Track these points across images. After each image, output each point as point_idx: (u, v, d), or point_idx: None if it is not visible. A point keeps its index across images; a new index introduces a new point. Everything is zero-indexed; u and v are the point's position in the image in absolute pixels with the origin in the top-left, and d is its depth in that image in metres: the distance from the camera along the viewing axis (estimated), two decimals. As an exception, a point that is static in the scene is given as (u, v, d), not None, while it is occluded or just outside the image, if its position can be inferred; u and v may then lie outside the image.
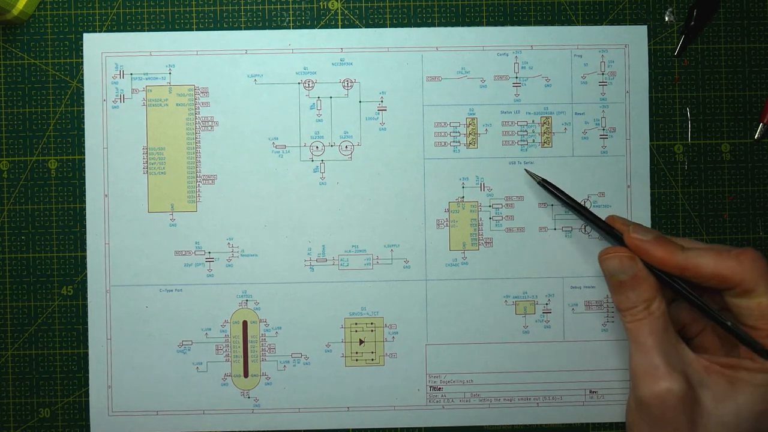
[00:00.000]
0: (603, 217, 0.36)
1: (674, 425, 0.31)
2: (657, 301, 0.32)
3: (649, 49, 0.40)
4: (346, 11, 0.40)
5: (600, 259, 0.33)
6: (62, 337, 0.40)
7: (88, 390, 0.40)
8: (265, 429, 0.40)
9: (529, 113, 0.40)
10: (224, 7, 0.40)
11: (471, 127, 0.40)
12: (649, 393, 0.31)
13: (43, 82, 0.40)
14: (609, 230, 0.35)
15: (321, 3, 0.40)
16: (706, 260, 0.31)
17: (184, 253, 0.40)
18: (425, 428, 0.40)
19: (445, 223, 0.40)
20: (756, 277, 0.31)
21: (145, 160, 0.40)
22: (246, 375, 0.40)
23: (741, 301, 0.31)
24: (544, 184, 0.38)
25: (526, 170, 0.39)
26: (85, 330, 0.40)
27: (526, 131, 0.40)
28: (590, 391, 0.40)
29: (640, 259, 0.33)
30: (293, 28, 0.40)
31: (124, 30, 0.40)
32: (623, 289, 0.32)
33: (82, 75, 0.40)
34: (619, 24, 0.40)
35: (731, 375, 0.31)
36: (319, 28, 0.40)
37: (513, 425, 0.40)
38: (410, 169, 0.40)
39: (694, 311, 0.34)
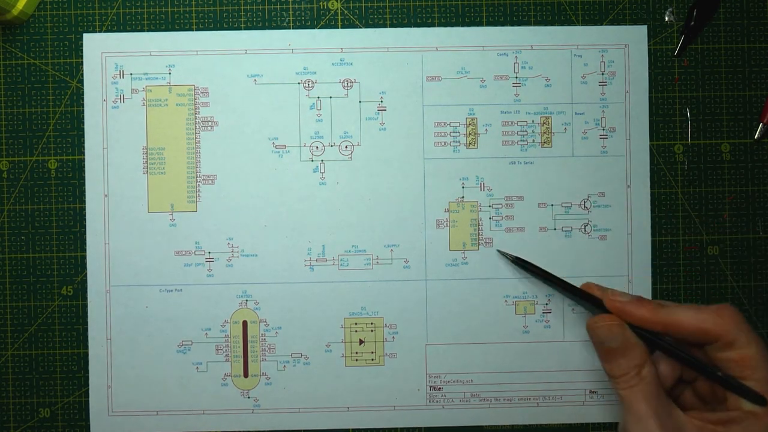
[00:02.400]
0: (579, 285, 0.36)
1: None
2: (648, 366, 0.32)
3: (649, 49, 0.40)
4: (346, 11, 0.40)
5: (589, 328, 0.34)
6: (62, 337, 0.40)
7: (88, 390, 0.40)
8: (265, 429, 0.40)
9: (529, 113, 0.40)
10: (224, 7, 0.40)
11: (471, 127, 0.40)
12: None
13: (43, 82, 0.40)
14: (587, 298, 0.35)
15: (321, 3, 0.40)
16: (686, 316, 0.32)
17: (184, 253, 0.40)
18: (425, 428, 0.40)
19: (445, 223, 0.40)
20: (735, 329, 0.31)
21: (145, 160, 0.40)
22: (246, 375, 0.40)
23: (724, 354, 0.32)
24: (518, 263, 0.39)
25: (498, 250, 0.40)
26: (85, 330, 0.40)
27: (526, 131, 0.40)
28: (590, 391, 0.40)
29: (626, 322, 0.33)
30: (293, 28, 0.40)
31: (124, 30, 0.40)
32: (614, 357, 0.33)
33: (82, 75, 0.40)
34: (619, 24, 0.40)
35: (723, 431, 0.31)
36: (319, 28, 0.40)
37: (513, 425, 0.40)
38: (410, 169, 0.40)
39: (675, 369, 0.34)
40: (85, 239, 0.40)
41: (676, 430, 0.31)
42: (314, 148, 0.40)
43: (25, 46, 0.40)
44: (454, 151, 0.40)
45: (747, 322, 0.32)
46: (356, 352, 0.40)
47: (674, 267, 0.40)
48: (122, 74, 0.40)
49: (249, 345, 0.40)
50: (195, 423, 0.40)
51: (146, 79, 0.40)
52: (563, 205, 0.40)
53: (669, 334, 0.33)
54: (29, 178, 0.40)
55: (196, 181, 0.40)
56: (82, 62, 0.40)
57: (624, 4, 0.41)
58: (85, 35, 0.40)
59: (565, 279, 0.37)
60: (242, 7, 0.40)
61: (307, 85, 0.40)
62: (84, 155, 0.40)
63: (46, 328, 0.40)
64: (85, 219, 0.40)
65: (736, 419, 0.31)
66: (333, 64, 0.40)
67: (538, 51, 0.40)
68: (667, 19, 0.41)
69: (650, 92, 0.40)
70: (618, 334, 0.33)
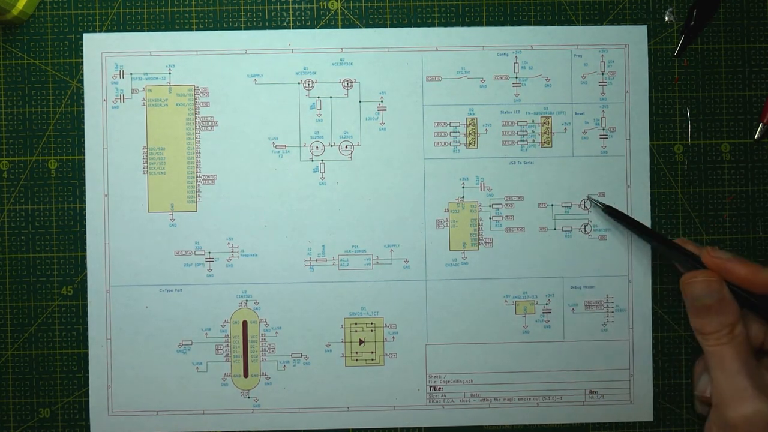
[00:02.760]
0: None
1: None
2: (740, 325, 0.32)
3: (649, 49, 0.40)
4: (346, 11, 0.40)
5: (684, 283, 0.33)
6: (62, 337, 0.40)
7: (88, 390, 0.40)
8: (265, 429, 0.40)
9: (529, 113, 0.40)
10: (224, 7, 0.40)
11: (471, 127, 0.40)
12: (738, 416, 0.31)
13: (43, 82, 0.40)
14: (683, 251, 0.35)
15: (321, 3, 0.40)
16: None
17: (184, 253, 0.40)
18: (425, 428, 0.40)
19: (445, 223, 0.40)
20: None
21: (145, 160, 0.40)
22: (246, 375, 0.40)
23: None
24: (609, 211, 0.38)
25: (589, 197, 0.39)
26: (85, 330, 0.40)
27: (526, 131, 0.40)
28: (590, 391, 0.40)
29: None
30: (293, 28, 0.40)
31: (124, 30, 0.40)
32: (708, 313, 0.32)
33: (82, 75, 0.40)
34: (619, 24, 0.40)
35: None
36: (319, 28, 0.40)
37: (513, 425, 0.40)
38: (410, 169, 0.40)
39: (760, 334, 0.33)
40: (85, 239, 0.40)
41: (766, 388, 0.31)
42: (314, 148, 0.40)
43: (25, 46, 0.40)
44: (454, 151, 0.40)
45: None
46: (356, 352, 0.40)
47: (674, 267, 0.40)
48: (122, 74, 0.40)
49: (249, 345, 0.40)
50: (195, 423, 0.40)
51: (146, 79, 0.40)
52: (563, 205, 0.40)
53: (767, 295, 0.32)
54: (29, 178, 0.40)
55: (196, 181, 0.40)
56: (82, 62, 0.40)
57: (624, 4, 0.41)
58: (85, 35, 0.40)
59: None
60: (242, 7, 0.40)
61: (307, 85, 0.40)
62: (84, 155, 0.40)
63: (46, 328, 0.40)
64: (85, 219, 0.40)
65: None
66: (333, 64, 0.40)
67: (538, 51, 0.40)
68: (667, 19, 0.41)
69: (650, 92, 0.40)
70: (716, 290, 0.32)
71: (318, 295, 0.40)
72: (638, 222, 0.38)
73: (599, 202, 0.39)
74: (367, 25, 0.40)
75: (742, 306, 0.33)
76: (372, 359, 0.40)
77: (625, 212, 0.39)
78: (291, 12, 0.40)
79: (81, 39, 0.40)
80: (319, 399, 0.40)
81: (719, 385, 0.32)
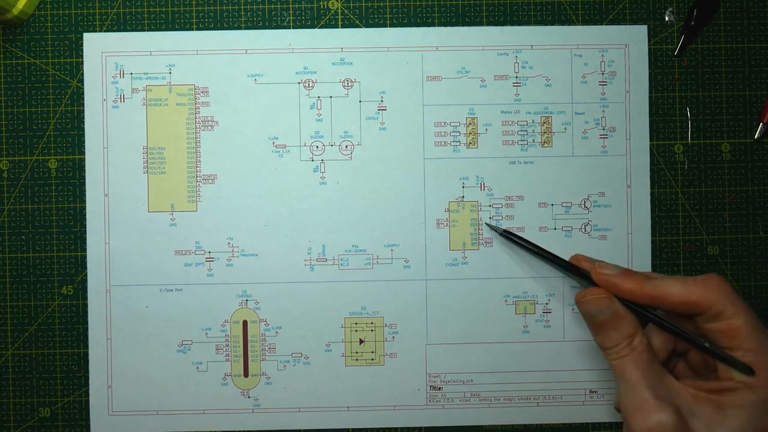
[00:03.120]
0: (567, 258, 0.36)
1: None
2: (638, 336, 0.32)
3: (649, 49, 0.40)
4: (346, 11, 0.40)
5: (577, 302, 0.34)
6: (62, 337, 0.40)
7: (88, 390, 0.40)
8: (265, 429, 0.40)
9: (529, 113, 0.40)
10: (224, 7, 0.40)
11: (471, 126, 0.40)
12: (641, 428, 0.31)
13: (43, 82, 0.40)
14: (575, 271, 0.35)
15: (321, 3, 0.40)
16: (674, 288, 0.32)
17: (184, 252, 0.40)
18: (425, 428, 0.40)
19: (445, 223, 0.40)
20: (722, 299, 0.31)
21: (145, 159, 0.40)
22: (246, 375, 0.40)
23: (712, 324, 0.32)
24: (506, 235, 0.38)
25: (486, 224, 0.40)
26: (85, 330, 0.40)
27: (526, 131, 0.40)
28: (590, 391, 0.40)
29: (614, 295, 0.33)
30: (293, 28, 0.40)
31: (124, 30, 0.40)
32: (604, 329, 0.33)
33: (82, 75, 0.40)
34: (619, 24, 0.40)
35: (717, 400, 0.31)
36: (319, 27, 0.40)
37: (513, 425, 0.40)
38: (410, 169, 0.40)
39: (668, 341, 0.34)
40: (85, 239, 0.40)
41: (670, 398, 0.31)
42: (314, 148, 0.40)
43: (25, 45, 0.40)
44: (454, 150, 0.40)
45: (735, 292, 0.31)
46: (356, 352, 0.40)
47: (674, 267, 0.40)
48: (122, 74, 0.40)
49: (249, 345, 0.40)
50: (195, 423, 0.40)
51: (146, 78, 0.40)
52: (563, 204, 0.40)
53: (657, 306, 0.32)
54: (29, 177, 0.40)
55: (196, 181, 0.40)
56: (82, 62, 0.40)
57: (624, 4, 0.41)
58: (85, 35, 0.40)
59: (554, 253, 0.37)
60: (242, 7, 0.40)
61: (307, 84, 0.40)
62: (84, 155, 0.40)
63: (46, 327, 0.40)
64: (85, 219, 0.40)
65: (728, 388, 0.31)
66: (333, 63, 0.40)
67: (538, 51, 0.40)
68: (667, 19, 0.41)
69: (650, 92, 0.40)
70: (606, 307, 0.33)
71: (318, 295, 0.40)
72: (532, 243, 0.38)
73: (496, 227, 0.39)
74: (367, 25, 0.40)
75: (642, 319, 0.33)
76: (372, 359, 0.40)
77: (521, 235, 0.39)
78: (291, 12, 0.40)
79: (81, 39, 0.40)
80: (319, 399, 0.40)
81: (623, 397, 0.32)
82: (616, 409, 0.34)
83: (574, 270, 0.35)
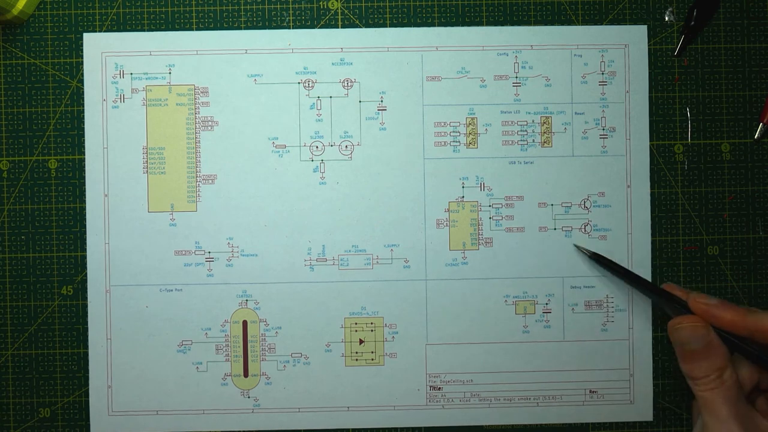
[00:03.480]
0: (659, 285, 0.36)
1: None
2: (729, 370, 0.32)
3: (649, 49, 0.40)
4: (346, 11, 0.40)
5: (671, 328, 0.33)
6: (62, 337, 0.40)
7: (88, 390, 0.40)
8: (265, 429, 0.40)
9: (529, 113, 0.40)
10: (224, 7, 0.40)
11: (471, 126, 0.40)
12: None
13: (43, 82, 0.40)
14: (670, 298, 0.35)
15: (321, 3, 0.40)
16: None
17: (184, 252, 0.40)
18: (425, 428, 0.40)
19: (445, 223, 0.40)
20: None
21: (145, 160, 0.40)
22: (246, 375, 0.40)
23: None
24: (595, 258, 0.38)
25: (575, 245, 0.39)
26: (85, 330, 0.40)
27: (526, 131, 0.40)
28: (590, 391, 0.40)
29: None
30: (293, 28, 0.40)
31: (124, 30, 0.40)
32: (696, 359, 0.32)
33: (82, 75, 0.40)
34: (619, 24, 0.40)
35: None
36: (319, 27, 0.40)
37: (513, 425, 0.40)
38: (410, 169, 0.40)
39: (753, 376, 0.33)
40: (85, 239, 0.40)
41: None
42: (314, 148, 0.40)
43: (25, 46, 0.40)
44: (454, 151, 0.40)
45: None
46: (356, 352, 0.40)
47: (674, 267, 0.40)
48: (122, 74, 0.40)
49: (249, 345, 0.40)
50: (195, 423, 0.40)
51: (146, 78, 0.40)
52: (563, 205, 0.40)
53: (755, 339, 0.32)
54: (29, 178, 0.40)
55: (196, 181, 0.40)
56: (82, 62, 0.40)
57: (624, 4, 0.41)
58: (85, 35, 0.40)
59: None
60: (242, 7, 0.40)
61: (307, 84, 0.40)
62: (84, 155, 0.40)
63: (46, 328, 0.40)
64: (85, 219, 0.40)
65: None
66: (333, 63, 0.40)
67: (538, 51, 0.40)
68: (667, 19, 0.41)
69: (650, 92, 0.40)
70: (702, 335, 0.32)
71: (318, 295, 0.40)
72: (624, 268, 0.38)
73: (586, 250, 0.39)
74: (367, 25, 0.40)
75: (732, 351, 0.33)
76: (372, 359, 0.40)
77: (611, 259, 0.39)
78: (291, 12, 0.40)
79: (81, 39, 0.40)
80: (319, 399, 0.40)
81: (710, 430, 0.32)
82: None
83: (668, 297, 0.35)
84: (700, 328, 0.33)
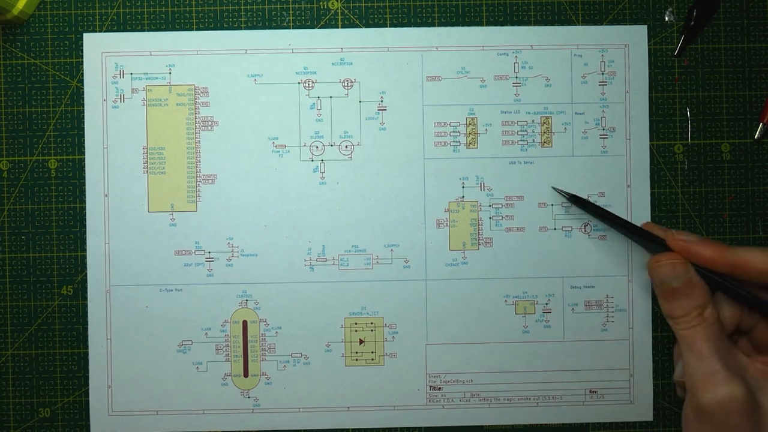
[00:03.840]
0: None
1: None
2: (710, 307, 0.32)
3: (649, 49, 0.40)
4: (346, 11, 0.40)
5: (650, 266, 0.33)
6: (62, 337, 0.40)
7: (88, 390, 0.40)
8: (265, 429, 0.40)
9: (529, 113, 0.40)
10: (224, 7, 0.40)
11: (471, 126, 0.40)
12: (710, 400, 0.30)
13: (43, 82, 0.40)
14: (649, 237, 0.34)
15: (321, 3, 0.40)
16: (756, 256, 0.31)
17: (184, 252, 0.40)
18: (425, 428, 0.40)
19: (445, 223, 0.40)
20: None
21: (145, 159, 0.40)
22: (246, 375, 0.40)
23: None
24: (575, 200, 0.38)
25: (553, 188, 0.39)
26: (85, 330, 0.40)
27: (526, 131, 0.40)
28: (590, 391, 0.40)
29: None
30: (293, 28, 0.40)
31: (124, 30, 0.40)
32: (676, 297, 0.32)
33: (82, 75, 0.40)
34: (619, 24, 0.40)
35: None
36: (319, 27, 0.40)
37: (513, 425, 0.40)
38: (410, 169, 0.40)
39: (735, 315, 0.33)
40: (85, 239, 0.40)
41: (739, 370, 0.31)
42: (314, 148, 0.40)
43: (25, 46, 0.40)
44: (454, 151, 0.40)
45: None
46: (356, 352, 0.40)
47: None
48: (122, 74, 0.40)
49: (249, 345, 0.40)
50: (195, 423, 0.40)
51: (146, 78, 0.40)
52: (563, 205, 0.40)
53: (735, 275, 0.32)
54: (29, 178, 0.40)
55: (196, 181, 0.40)
56: (82, 62, 0.40)
57: (624, 4, 0.41)
58: (85, 35, 0.40)
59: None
60: (242, 7, 0.40)
61: (307, 84, 0.40)
62: (84, 155, 0.40)
63: (46, 328, 0.40)
64: (85, 219, 0.40)
65: None
66: (333, 63, 0.40)
67: (538, 51, 0.40)
68: (667, 19, 0.41)
69: (650, 92, 0.40)
70: (681, 273, 0.32)
71: (318, 295, 0.40)
72: (602, 209, 0.38)
73: (564, 192, 0.39)
74: (367, 25, 0.40)
75: (713, 288, 0.32)
76: (372, 359, 0.40)
77: (596, 204, 0.39)
78: (291, 12, 0.40)
79: (81, 39, 0.40)
80: (319, 399, 0.40)
81: (691, 369, 0.31)
82: (674, 382, 0.33)
83: (648, 237, 0.34)
84: (679, 265, 0.32)
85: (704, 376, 0.31)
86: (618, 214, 0.38)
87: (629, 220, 0.37)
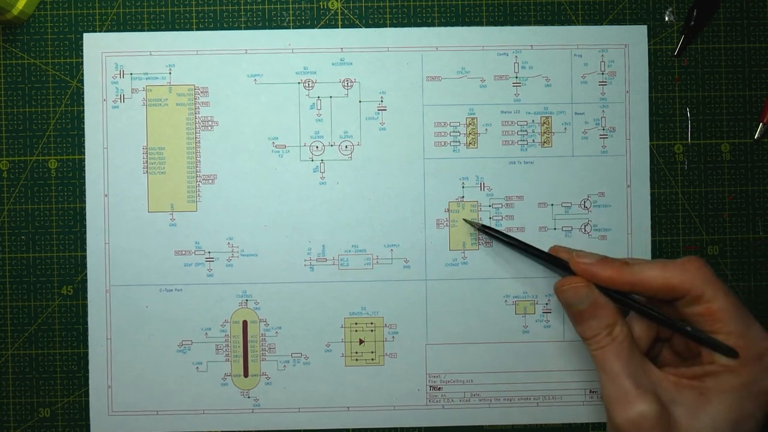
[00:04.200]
0: (546, 250, 0.36)
1: None
2: (619, 326, 0.32)
3: (649, 49, 0.40)
4: (346, 11, 0.40)
5: (556, 291, 0.33)
6: (62, 337, 0.40)
7: (88, 390, 0.40)
8: (265, 429, 0.40)
9: (529, 113, 0.40)
10: (224, 7, 0.40)
11: (471, 126, 0.40)
12: (623, 419, 0.30)
13: (43, 82, 0.40)
14: (554, 261, 0.35)
15: (321, 3, 0.40)
16: (653, 272, 0.31)
17: (184, 253, 0.40)
18: (425, 428, 0.40)
19: (445, 223, 0.40)
20: (702, 283, 0.31)
21: (145, 160, 0.40)
22: (246, 375, 0.40)
23: (693, 308, 0.31)
24: (484, 230, 0.38)
25: (464, 219, 0.40)
26: (85, 330, 0.40)
27: (526, 131, 0.40)
28: (590, 391, 0.40)
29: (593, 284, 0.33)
30: (293, 28, 0.40)
31: (124, 30, 0.40)
32: (584, 318, 0.32)
33: (82, 75, 0.40)
34: (619, 24, 0.40)
35: (700, 386, 0.31)
36: (319, 27, 0.40)
37: (513, 425, 0.40)
38: (410, 169, 0.40)
39: (651, 329, 0.33)
40: (85, 239, 0.40)
41: (652, 387, 0.31)
42: (314, 148, 0.40)
43: (25, 46, 0.40)
44: (454, 151, 0.40)
45: (716, 275, 0.31)
46: (356, 352, 0.40)
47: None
48: (122, 74, 0.40)
49: (249, 345, 0.40)
50: (195, 423, 0.40)
51: (146, 78, 0.40)
52: (563, 205, 0.40)
53: (637, 292, 0.32)
54: (29, 178, 0.40)
55: (196, 181, 0.40)
56: (82, 62, 0.40)
57: (624, 4, 0.41)
58: (85, 35, 0.40)
59: (533, 245, 0.37)
60: (242, 7, 0.40)
61: (307, 84, 0.40)
62: (84, 155, 0.40)
63: (46, 328, 0.40)
64: (85, 219, 0.40)
65: (711, 373, 0.31)
66: (333, 63, 0.40)
67: (538, 51, 0.40)
68: (667, 19, 0.41)
69: (650, 92, 0.40)
70: (585, 295, 0.32)
71: (318, 295, 0.40)
72: (508, 235, 0.38)
73: (474, 223, 0.39)
74: (367, 25, 0.40)
75: (625, 306, 0.33)
76: (372, 359, 0.40)
77: (500, 229, 0.39)
78: (291, 12, 0.40)
79: (81, 39, 0.40)
80: (319, 399, 0.40)
81: (605, 388, 0.31)
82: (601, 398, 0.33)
83: (553, 261, 0.35)
84: (581, 288, 0.32)
85: (616, 395, 0.31)
86: (526, 240, 0.38)
87: (536, 247, 0.37)
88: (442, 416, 0.40)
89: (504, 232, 0.39)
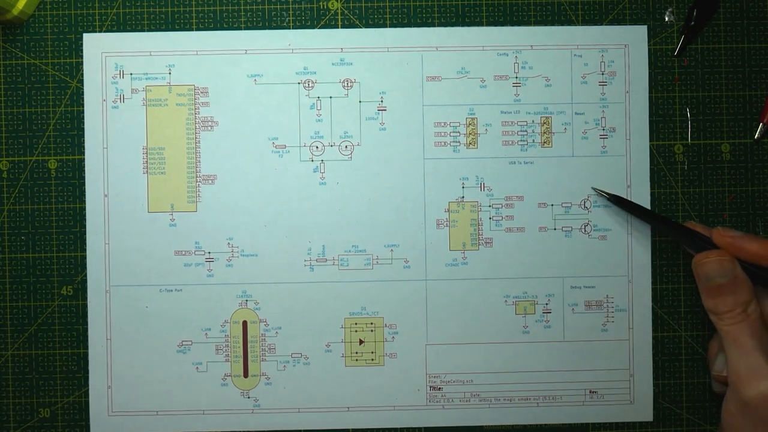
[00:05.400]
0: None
1: None
2: (754, 303, 0.32)
3: (649, 49, 0.40)
4: (346, 11, 0.40)
5: (696, 263, 0.33)
6: (62, 337, 0.40)
7: (88, 390, 0.40)
8: (265, 429, 0.40)
9: (529, 113, 0.40)
10: (224, 7, 0.40)
11: (471, 127, 0.40)
12: (755, 393, 0.31)
13: (43, 82, 0.40)
14: (695, 234, 0.35)
15: (321, 3, 0.40)
16: None
17: (184, 253, 0.40)
18: (425, 428, 0.40)
19: (445, 223, 0.40)
20: None
21: (145, 160, 0.40)
22: (246, 375, 0.40)
23: None
24: (617, 201, 0.38)
25: (593, 188, 0.39)
26: (85, 330, 0.40)
27: (526, 131, 0.40)
28: (590, 391, 0.40)
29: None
30: (293, 28, 0.40)
31: (124, 30, 0.40)
32: (721, 293, 0.32)
33: (82, 75, 0.40)
34: (619, 24, 0.40)
35: None
36: (319, 28, 0.40)
37: (513, 425, 0.40)
38: (410, 169, 0.40)
39: None
40: (85, 239, 0.40)
41: None
42: (314, 148, 0.40)
43: (25, 46, 0.40)
44: (454, 151, 0.40)
45: None
46: (356, 352, 0.40)
47: (674, 267, 0.40)
48: (122, 74, 0.40)
49: (249, 345, 0.40)
50: (195, 423, 0.40)
51: (146, 79, 0.40)
52: (563, 205, 0.40)
53: None
54: (29, 178, 0.40)
55: (196, 181, 0.40)
56: (82, 62, 0.40)
57: (624, 4, 0.41)
58: (85, 35, 0.40)
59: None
60: (242, 7, 0.40)
61: (307, 85, 0.40)
62: (84, 155, 0.40)
63: (46, 328, 0.40)
64: (85, 219, 0.40)
65: None
66: (333, 64, 0.40)
67: (538, 51, 0.40)
68: (667, 19, 0.41)
69: (650, 92, 0.40)
70: (728, 269, 0.32)
71: (318, 295, 0.40)
72: (645, 208, 0.38)
73: (605, 192, 0.39)
74: (367, 25, 0.40)
75: (755, 283, 0.33)
76: (372, 359, 0.40)
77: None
78: (291, 12, 0.40)
79: (81, 39, 0.40)
80: (319, 399, 0.40)
81: (735, 363, 0.32)
82: (715, 379, 0.33)
83: (693, 233, 0.35)
84: (726, 262, 0.33)
85: (748, 370, 0.31)
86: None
87: (671, 220, 0.37)
88: (442, 416, 0.40)
89: (637, 203, 0.38)
